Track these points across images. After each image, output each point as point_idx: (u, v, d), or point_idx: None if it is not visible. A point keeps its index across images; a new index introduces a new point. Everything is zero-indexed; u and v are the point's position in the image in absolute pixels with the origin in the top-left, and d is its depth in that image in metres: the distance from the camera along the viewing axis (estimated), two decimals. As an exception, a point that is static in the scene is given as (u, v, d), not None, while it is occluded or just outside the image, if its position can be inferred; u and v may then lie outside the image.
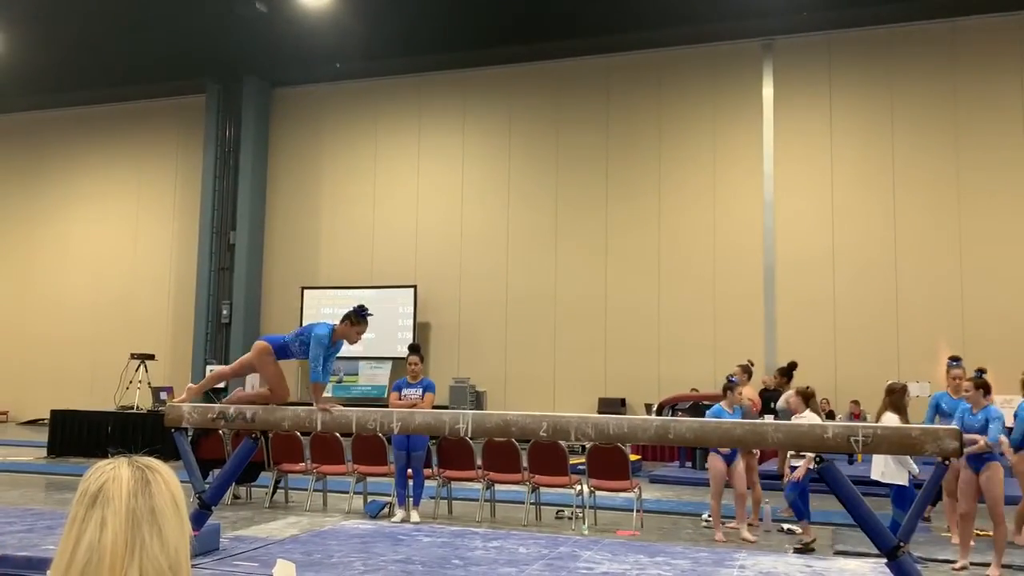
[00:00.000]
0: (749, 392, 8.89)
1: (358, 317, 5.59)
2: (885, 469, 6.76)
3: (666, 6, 16.43)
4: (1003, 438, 6.81)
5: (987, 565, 6.50)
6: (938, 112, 16.35)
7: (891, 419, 6.69)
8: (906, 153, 16.46)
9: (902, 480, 6.70)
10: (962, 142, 16.13)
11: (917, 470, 6.81)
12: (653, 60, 18.29)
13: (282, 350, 5.67)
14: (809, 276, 16.62)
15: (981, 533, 7.38)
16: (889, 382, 7.47)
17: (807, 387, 7.91)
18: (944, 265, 15.93)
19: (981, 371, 6.88)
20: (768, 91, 17.39)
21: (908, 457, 6.54)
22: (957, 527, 7.02)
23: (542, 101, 18.98)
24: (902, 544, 4.24)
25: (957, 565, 6.65)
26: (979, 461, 6.51)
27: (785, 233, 16.91)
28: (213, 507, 5.46)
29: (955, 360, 7.80)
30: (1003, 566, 6.59)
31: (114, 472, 1.21)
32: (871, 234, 16.43)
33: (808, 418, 7.40)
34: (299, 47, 18.49)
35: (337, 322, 5.67)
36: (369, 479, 9.20)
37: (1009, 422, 7.26)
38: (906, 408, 7.01)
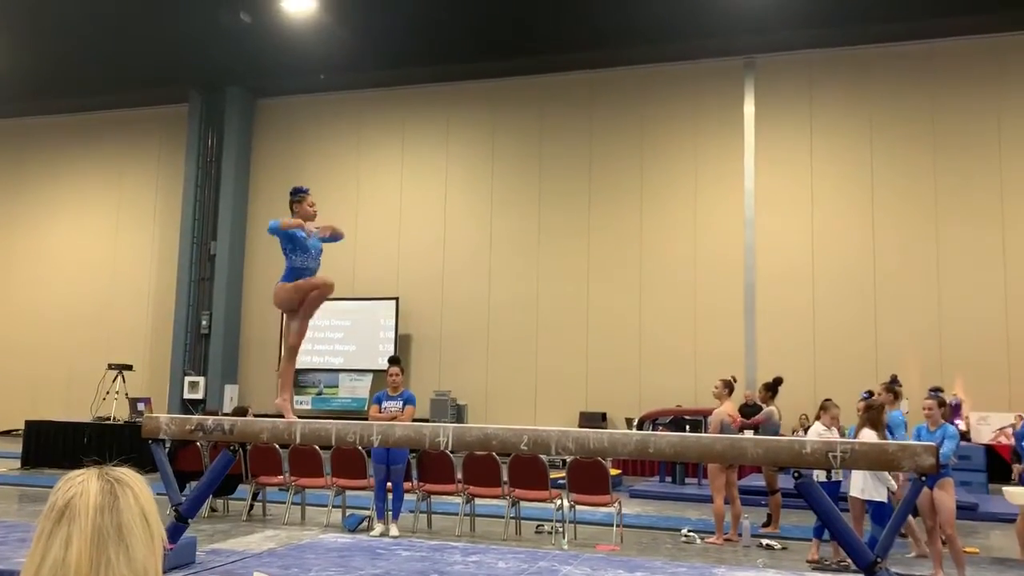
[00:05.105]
0: (729, 408, 8.94)
1: (294, 195, 5.98)
2: (864, 485, 6.81)
3: (649, 23, 16.53)
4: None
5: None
6: (916, 131, 16.54)
7: (869, 435, 6.75)
8: (885, 171, 16.63)
9: (880, 496, 6.75)
10: (940, 160, 16.32)
11: (896, 486, 6.86)
12: (636, 76, 18.40)
13: (289, 273, 5.63)
14: (789, 292, 16.72)
15: (968, 550, 7.45)
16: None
17: (827, 399, 8.04)
18: (922, 282, 16.07)
19: (937, 390, 7.09)
20: (749, 108, 17.53)
21: (887, 473, 6.59)
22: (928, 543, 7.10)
23: (525, 115, 19.03)
24: (879, 560, 4.27)
25: (933, 581, 6.70)
26: (932, 477, 6.64)
27: (765, 249, 17.01)
28: (190, 520, 5.41)
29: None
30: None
31: (83, 486, 1.19)
32: (850, 251, 16.56)
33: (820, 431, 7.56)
34: (283, 58, 18.44)
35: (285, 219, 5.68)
36: (348, 492, 9.15)
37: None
38: (884, 425, 7.09)
